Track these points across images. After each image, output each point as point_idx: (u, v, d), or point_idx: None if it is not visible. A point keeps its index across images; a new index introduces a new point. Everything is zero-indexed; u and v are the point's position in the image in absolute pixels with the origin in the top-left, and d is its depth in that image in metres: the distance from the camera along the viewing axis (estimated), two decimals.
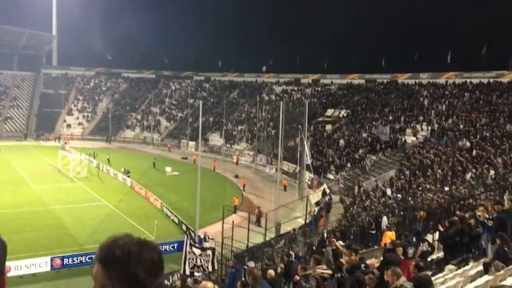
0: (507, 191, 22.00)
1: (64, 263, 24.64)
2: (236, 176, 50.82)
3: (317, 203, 35.71)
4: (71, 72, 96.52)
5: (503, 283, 7.87)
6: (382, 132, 46.84)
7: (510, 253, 10.09)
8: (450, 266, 12.16)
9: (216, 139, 71.88)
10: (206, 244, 27.12)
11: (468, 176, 29.84)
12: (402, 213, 25.17)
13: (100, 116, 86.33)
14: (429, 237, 15.78)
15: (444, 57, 61.01)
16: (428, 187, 30.37)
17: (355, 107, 62.41)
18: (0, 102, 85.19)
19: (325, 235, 22.62)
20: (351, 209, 33.28)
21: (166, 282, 20.50)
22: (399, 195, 30.83)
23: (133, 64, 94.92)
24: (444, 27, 71.54)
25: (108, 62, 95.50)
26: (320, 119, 62.86)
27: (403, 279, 6.71)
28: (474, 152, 34.10)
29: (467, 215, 13.76)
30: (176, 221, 32.99)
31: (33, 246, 26.71)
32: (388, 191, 32.86)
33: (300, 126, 44.23)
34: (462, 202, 21.94)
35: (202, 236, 27.84)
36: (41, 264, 23.86)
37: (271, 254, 24.48)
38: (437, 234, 15.56)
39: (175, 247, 26.54)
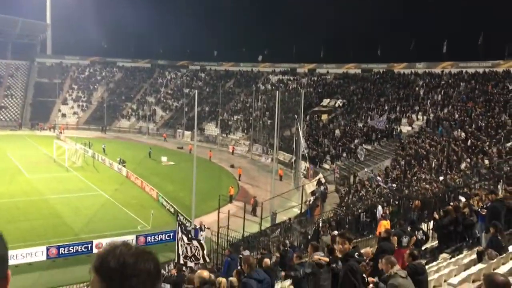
0: (501, 181, 22.12)
1: (60, 252, 24.69)
2: (232, 166, 50.87)
3: (313, 193, 35.85)
4: (65, 61, 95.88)
5: (496, 271, 7.94)
6: (378, 121, 46.93)
7: (504, 242, 10.17)
8: (444, 255, 12.25)
9: (211, 129, 71.80)
10: (202, 233, 27.23)
11: (463, 165, 29.98)
12: (397, 202, 25.28)
13: (95, 105, 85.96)
14: (423, 226, 15.87)
15: (440, 47, 60.96)
16: (423, 176, 30.50)
17: (351, 97, 62.41)
18: None
19: (320, 224, 22.75)
20: (347, 198, 33.42)
21: (162, 271, 20.57)
22: (393, 185, 30.92)
23: (128, 53, 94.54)
24: (440, 17, 71.43)
25: (103, 51, 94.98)
26: (316, 108, 62.84)
27: (397, 267, 6.75)
28: (469, 142, 34.23)
29: (461, 204, 13.84)
30: (172, 210, 33.04)
31: (29, 236, 26.73)
32: (379, 179, 33.05)
33: (296, 116, 44.23)
34: (459, 190, 22.05)
35: (198, 226, 27.93)
36: (37, 254, 23.92)
37: (267, 243, 24.60)
38: (431, 223, 15.66)
39: (171, 237, 26.60)
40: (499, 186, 19.81)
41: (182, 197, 36.17)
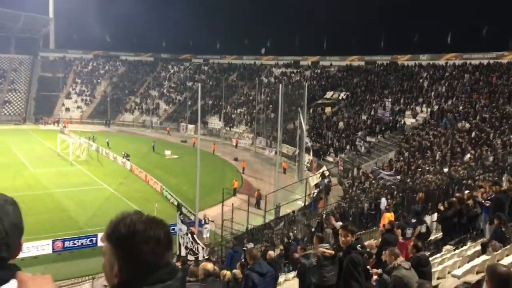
0: (505, 172, 22.06)
1: (65, 245, 24.84)
2: (236, 159, 50.90)
3: (317, 185, 35.87)
4: (69, 55, 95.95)
5: (500, 262, 7.94)
6: (384, 112, 46.92)
7: (508, 233, 10.17)
8: (448, 247, 12.26)
9: (215, 122, 71.81)
10: (206, 226, 27.32)
11: (467, 157, 29.89)
12: (401, 194, 25.26)
13: (99, 99, 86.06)
14: (427, 218, 15.87)
15: (444, 38, 60.61)
16: (427, 168, 30.42)
17: (355, 89, 62.21)
18: None
19: (324, 217, 22.78)
20: (350, 191, 33.40)
21: None
22: (397, 176, 30.83)
23: (131, 46, 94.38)
24: (444, 8, 70.87)
25: (106, 45, 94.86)
26: (320, 101, 62.70)
27: (401, 259, 6.76)
28: (473, 134, 34.12)
29: (465, 196, 13.82)
30: (176, 203, 33.10)
31: (34, 230, 26.81)
32: (382, 172, 32.95)
33: (299, 108, 44.15)
34: (463, 182, 22.01)
35: (202, 218, 28.01)
36: (43, 247, 24.05)
37: (271, 236, 24.68)
38: (435, 216, 15.65)
39: (175, 230, 26.66)
40: (503, 178, 19.74)
41: (186, 190, 36.25)
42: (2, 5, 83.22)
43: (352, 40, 72.69)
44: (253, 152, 57.20)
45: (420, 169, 30.97)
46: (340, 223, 13.42)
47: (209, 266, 7.56)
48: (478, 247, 10.19)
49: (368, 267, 7.74)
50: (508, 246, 9.53)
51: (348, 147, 46.49)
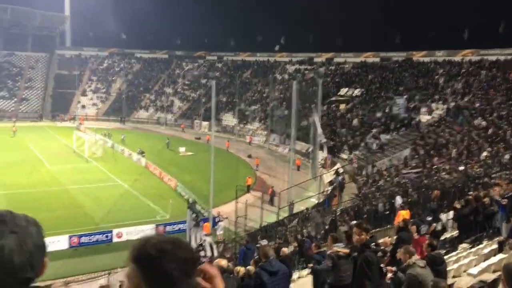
0: None
1: (81, 241, 25.17)
2: (249, 156, 50.94)
3: (331, 183, 35.73)
4: (84, 52, 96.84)
5: None
6: (399, 107, 46.72)
7: None
8: (463, 245, 12.15)
9: (229, 119, 71.92)
10: (220, 223, 27.41)
11: (483, 155, 29.53)
12: (416, 192, 25.06)
13: (114, 96, 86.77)
14: (443, 216, 15.73)
15: (460, 34, 59.77)
16: (443, 166, 30.13)
17: (369, 86, 61.75)
18: (15, 84, 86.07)
19: (338, 214, 22.71)
20: (364, 188, 33.21)
21: None
22: (414, 172, 30.61)
23: (146, 44, 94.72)
24: (461, 4, 69.91)
25: (121, 42, 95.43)
26: (334, 98, 62.38)
27: (415, 257, 6.72)
28: (490, 131, 33.67)
29: (481, 194, 13.67)
30: (190, 200, 33.28)
31: (51, 225, 27.09)
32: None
33: (313, 105, 43.97)
34: (479, 180, 21.75)
35: (216, 215, 28.12)
36: (59, 242, 24.37)
37: (284, 233, 24.68)
38: (451, 213, 15.50)
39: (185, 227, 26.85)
40: None
41: (199, 187, 36.38)
42: (20, 4, 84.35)
43: (367, 36, 72.09)
44: (267, 149, 57.20)
45: (435, 167, 30.69)
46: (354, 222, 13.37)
47: (223, 262, 7.60)
48: (495, 246, 10.08)
49: (382, 265, 7.70)
50: None
51: (362, 144, 46.21)
